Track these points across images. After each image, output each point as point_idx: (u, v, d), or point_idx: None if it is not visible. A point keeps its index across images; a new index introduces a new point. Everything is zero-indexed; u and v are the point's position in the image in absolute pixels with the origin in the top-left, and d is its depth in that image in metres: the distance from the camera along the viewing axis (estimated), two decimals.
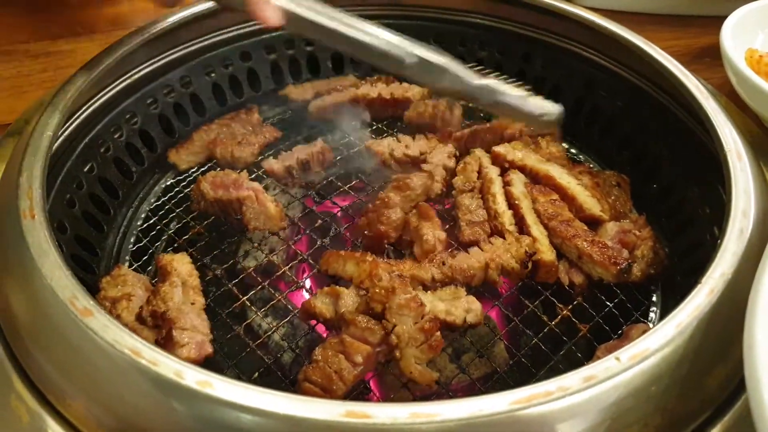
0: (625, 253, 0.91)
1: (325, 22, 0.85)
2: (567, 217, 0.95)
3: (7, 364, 0.69)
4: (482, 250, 0.88)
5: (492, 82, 0.93)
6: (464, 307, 0.81)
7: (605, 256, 0.89)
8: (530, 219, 0.95)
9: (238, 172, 1.01)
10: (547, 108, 0.95)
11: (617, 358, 0.61)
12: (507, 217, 0.95)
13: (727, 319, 0.66)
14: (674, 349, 0.63)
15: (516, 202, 0.97)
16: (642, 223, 0.96)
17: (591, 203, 0.97)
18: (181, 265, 0.87)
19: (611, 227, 0.95)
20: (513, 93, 0.93)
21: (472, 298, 0.83)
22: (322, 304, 0.82)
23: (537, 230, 0.93)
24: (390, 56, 0.87)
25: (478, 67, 0.93)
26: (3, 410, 0.65)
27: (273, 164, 1.06)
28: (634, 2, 1.53)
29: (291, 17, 0.85)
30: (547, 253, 0.90)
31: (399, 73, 0.92)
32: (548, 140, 1.09)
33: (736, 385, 0.68)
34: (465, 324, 0.81)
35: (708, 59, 1.38)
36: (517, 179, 1.01)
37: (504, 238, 0.91)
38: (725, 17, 1.23)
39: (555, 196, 0.99)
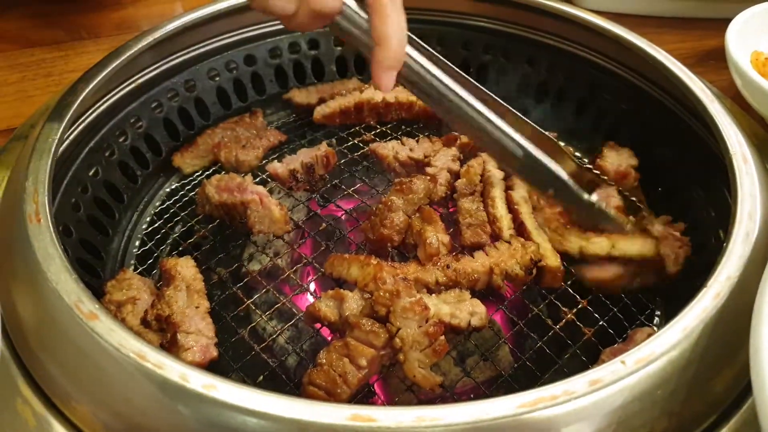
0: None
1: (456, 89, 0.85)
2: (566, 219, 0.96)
3: (13, 367, 0.69)
4: (487, 255, 0.88)
5: (599, 203, 0.93)
6: (469, 310, 0.81)
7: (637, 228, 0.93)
8: (530, 224, 0.94)
9: (243, 176, 1.01)
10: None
11: (623, 362, 0.61)
12: (505, 222, 0.95)
13: (733, 322, 0.66)
14: (680, 353, 0.63)
15: (516, 206, 0.96)
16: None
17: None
18: (184, 268, 0.87)
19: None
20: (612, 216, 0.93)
21: (476, 301, 0.83)
22: (327, 308, 0.82)
23: (538, 235, 0.93)
24: (504, 147, 0.88)
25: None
26: (9, 413, 0.66)
27: (277, 167, 1.06)
28: (638, 5, 1.53)
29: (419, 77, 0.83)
30: (551, 259, 0.90)
31: (506, 169, 0.95)
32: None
33: (743, 389, 0.67)
34: (470, 327, 0.81)
35: (713, 62, 1.38)
36: (520, 183, 1.01)
37: (507, 242, 0.91)
38: (730, 20, 1.23)
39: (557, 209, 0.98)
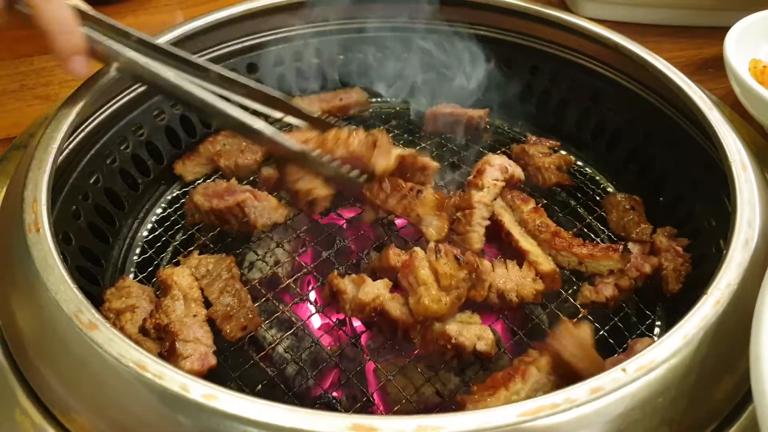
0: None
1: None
2: (554, 228, 0.95)
3: (12, 377, 0.69)
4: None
5: (307, 149, 0.94)
6: (477, 333, 0.80)
7: (603, 249, 0.92)
8: (516, 232, 0.94)
9: (228, 180, 1.02)
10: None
11: (624, 370, 0.60)
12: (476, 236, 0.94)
13: (734, 329, 0.66)
14: (681, 360, 0.63)
15: (498, 218, 0.96)
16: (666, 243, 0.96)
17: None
18: (181, 278, 0.87)
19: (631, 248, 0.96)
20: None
21: (486, 328, 0.82)
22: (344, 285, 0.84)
23: (527, 243, 0.93)
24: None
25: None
26: (8, 424, 0.65)
27: (272, 173, 1.06)
28: (637, 14, 1.54)
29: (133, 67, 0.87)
30: (545, 264, 0.90)
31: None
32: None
33: (743, 397, 0.68)
34: (475, 350, 0.80)
35: (712, 70, 1.38)
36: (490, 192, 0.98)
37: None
38: (729, 28, 1.23)
39: (532, 203, 0.99)
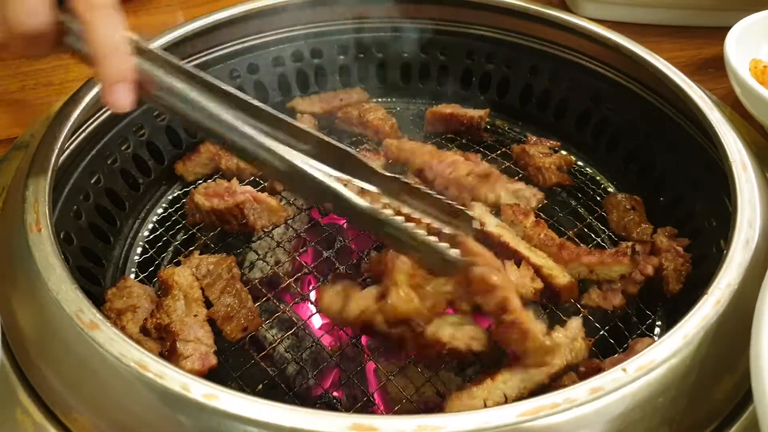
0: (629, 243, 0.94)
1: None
2: (559, 241, 0.94)
3: (13, 377, 0.69)
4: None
5: (386, 213, 0.73)
6: (470, 335, 0.78)
7: (613, 255, 0.91)
8: (522, 248, 0.91)
9: (229, 181, 1.02)
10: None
11: (624, 370, 0.61)
12: None
13: (734, 329, 0.66)
14: (681, 360, 0.63)
15: (500, 239, 0.92)
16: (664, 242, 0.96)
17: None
18: (182, 278, 0.88)
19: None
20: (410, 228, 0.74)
21: (477, 328, 0.79)
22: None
23: (537, 258, 0.90)
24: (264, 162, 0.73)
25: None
26: (9, 424, 0.65)
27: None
28: (637, 14, 1.54)
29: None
30: (560, 277, 0.88)
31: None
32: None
33: (743, 397, 0.68)
34: (470, 350, 0.78)
35: (712, 70, 1.38)
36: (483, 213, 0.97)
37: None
38: (729, 28, 1.23)
39: (533, 217, 0.97)
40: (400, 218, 0.73)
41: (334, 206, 0.74)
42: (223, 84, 0.71)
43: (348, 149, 0.74)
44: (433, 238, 0.73)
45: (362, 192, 0.75)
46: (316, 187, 0.73)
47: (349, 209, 0.73)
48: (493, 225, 0.95)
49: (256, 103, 0.72)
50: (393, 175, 0.75)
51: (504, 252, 0.91)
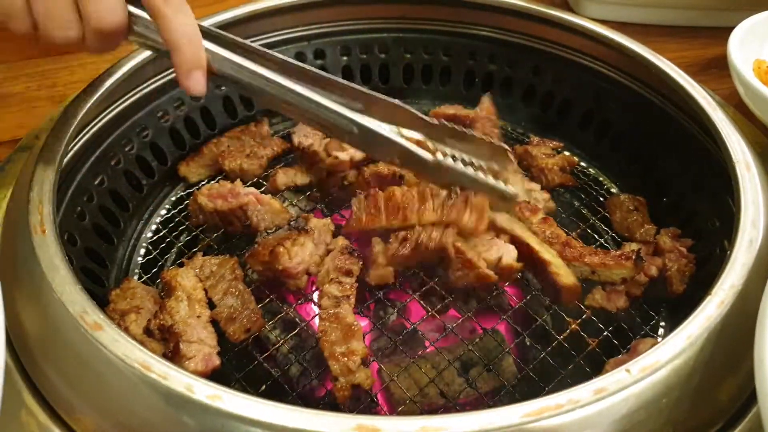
0: (633, 245, 0.96)
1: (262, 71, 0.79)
2: (564, 238, 0.94)
3: (18, 378, 0.69)
4: None
5: (449, 162, 0.85)
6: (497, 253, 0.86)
7: (616, 257, 0.91)
8: (534, 242, 0.91)
9: (232, 182, 1.02)
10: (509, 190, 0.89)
11: (628, 370, 0.61)
12: None
13: (738, 330, 0.66)
14: (685, 361, 0.63)
15: (511, 232, 0.93)
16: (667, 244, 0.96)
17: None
18: (185, 279, 0.88)
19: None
20: (470, 173, 0.86)
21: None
22: None
23: (547, 253, 0.90)
24: (337, 124, 0.81)
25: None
26: (13, 424, 0.66)
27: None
28: (640, 14, 1.53)
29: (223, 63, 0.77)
30: (566, 277, 0.88)
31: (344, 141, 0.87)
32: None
33: (747, 397, 0.68)
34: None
35: (715, 70, 1.38)
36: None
37: None
38: (732, 28, 1.23)
39: (541, 213, 0.98)
40: (459, 165, 0.85)
41: (401, 161, 0.84)
42: (274, 53, 0.80)
43: (397, 102, 0.82)
44: (491, 180, 0.86)
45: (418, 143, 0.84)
46: (388, 146, 0.83)
47: (416, 162, 0.84)
48: (504, 219, 0.95)
49: (308, 67, 0.81)
50: (439, 122, 0.84)
51: (514, 245, 0.92)
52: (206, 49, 0.75)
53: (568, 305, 0.89)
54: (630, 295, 0.91)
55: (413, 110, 0.83)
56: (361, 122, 0.81)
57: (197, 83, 0.75)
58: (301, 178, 1.09)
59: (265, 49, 0.80)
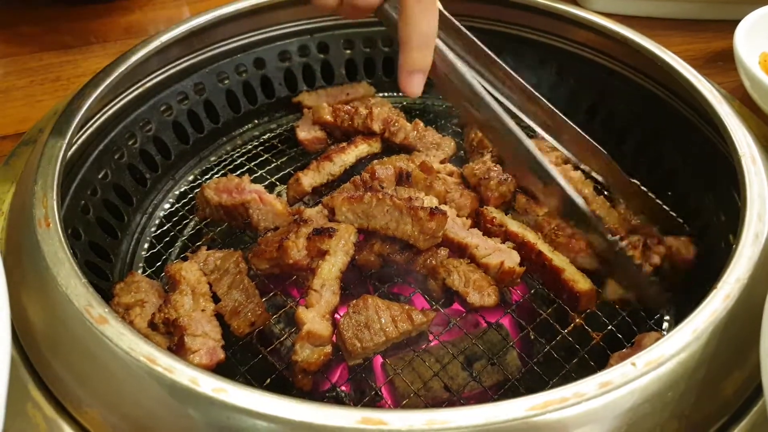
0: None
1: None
2: (570, 231, 0.94)
3: (24, 371, 0.69)
4: None
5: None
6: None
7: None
8: (546, 250, 0.92)
9: (239, 176, 1.02)
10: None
11: (633, 364, 0.60)
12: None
13: (743, 324, 0.66)
14: (690, 355, 0.63)
15: (524, 239, 0.93)
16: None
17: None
18: (189, 273, 0.88)
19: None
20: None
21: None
22: None
23: (560, 261, 0.91)
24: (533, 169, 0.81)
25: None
26: (20, 417, 0.66)
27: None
28: (646, 7, 1.53)
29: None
30: (581, 283, 0.88)
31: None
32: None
33: (753, 391, 0.67)
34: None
35: (721, 63, 1.37)
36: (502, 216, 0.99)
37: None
38: (738, 21, 1.22)
39: (546, 208, 0.97)
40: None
41: (563, 210, 0.83)
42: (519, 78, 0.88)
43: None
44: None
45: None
46: (567, 204, 0.82)
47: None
48: (515, 226, 0.95)
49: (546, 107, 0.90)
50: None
51: (526, 252, 0.92)
52: (436, 49, 0.74)
53: (585, 310, 0.89)
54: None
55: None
56: (557, 179, 0.80)
57: (416, 86, 0.74)
58: (319, 178, 1.08)
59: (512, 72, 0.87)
